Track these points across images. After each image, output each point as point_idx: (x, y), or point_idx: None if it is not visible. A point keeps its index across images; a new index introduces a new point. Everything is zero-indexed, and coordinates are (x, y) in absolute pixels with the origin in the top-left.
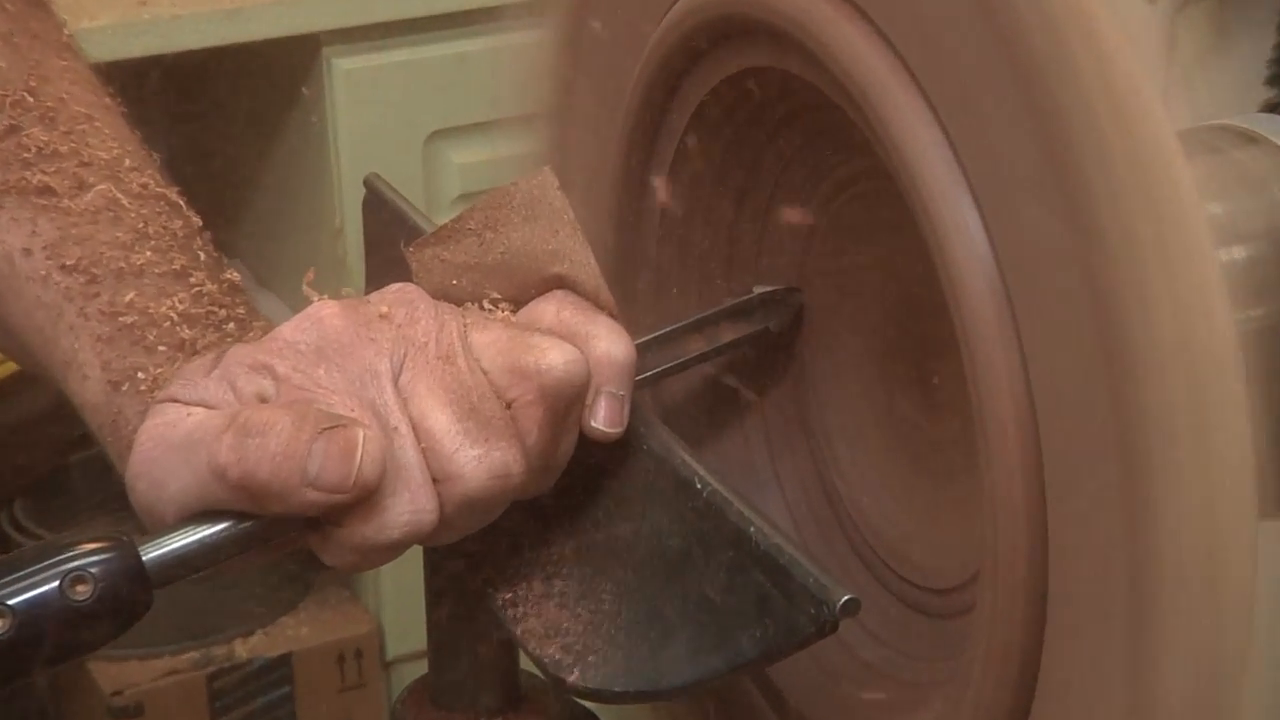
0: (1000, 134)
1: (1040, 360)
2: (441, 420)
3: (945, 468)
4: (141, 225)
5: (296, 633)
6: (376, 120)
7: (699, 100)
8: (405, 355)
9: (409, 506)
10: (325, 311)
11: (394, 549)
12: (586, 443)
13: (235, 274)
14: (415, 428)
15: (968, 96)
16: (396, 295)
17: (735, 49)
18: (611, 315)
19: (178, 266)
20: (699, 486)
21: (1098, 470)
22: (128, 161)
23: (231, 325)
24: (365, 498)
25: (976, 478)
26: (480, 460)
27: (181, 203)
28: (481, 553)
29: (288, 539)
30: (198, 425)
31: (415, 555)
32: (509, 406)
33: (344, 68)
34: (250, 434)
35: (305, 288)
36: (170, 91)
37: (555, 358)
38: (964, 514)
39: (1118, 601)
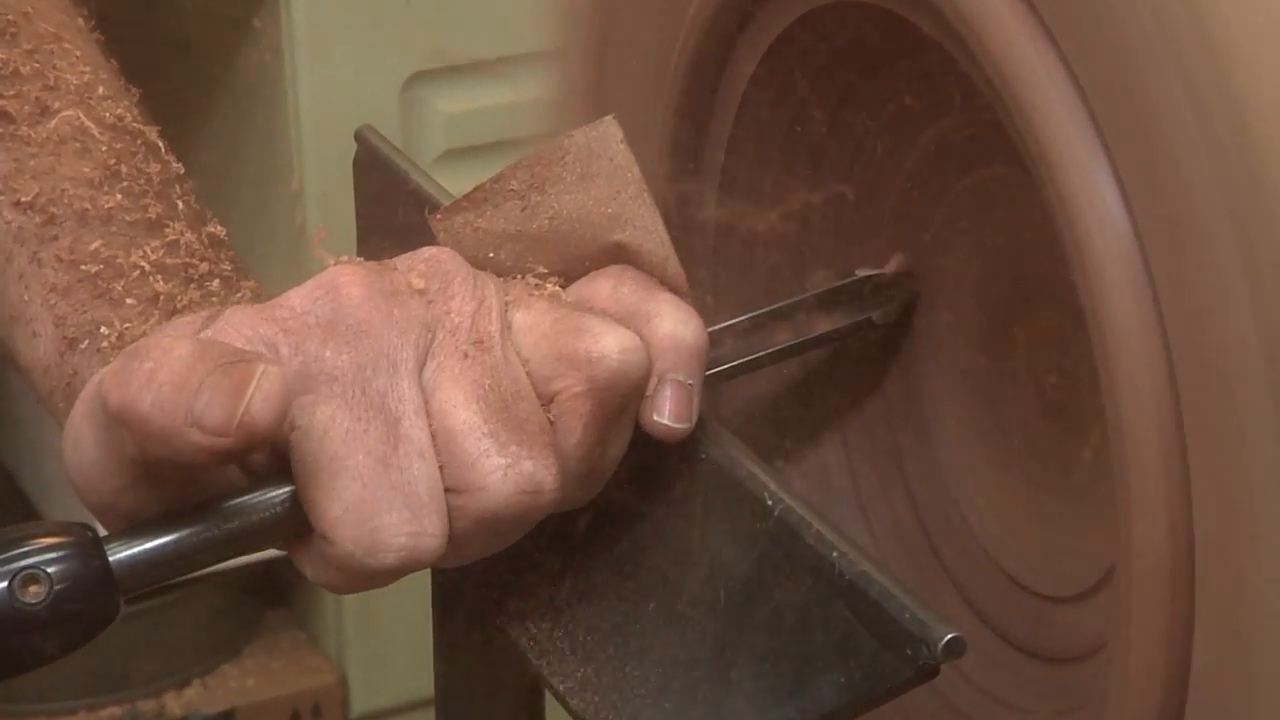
0: (1152, 91)
1: (1188, 345)
2: (465, 419)
3: (1065, 481)
4: (113, 162)
5: (241, 684)
6: (344, 60)
7: (768, 42)
8: (434, 340)
9: (407, 527)
10: (344, 278)
11: (388, 575)
12: (633, 448)
13: (220, 227)
14: (434, 428)
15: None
16: (429, 264)
17: None
18: (680, 294)
19: (152, 215)
20: (770, 504)
21: (1260, 470)
22: (101, 90)
23: (216, 283)
24: (254, 446)
25: (1103, 487)
26: (506, 471)
27: (161, 144)
28: (503, 581)
29: (274, 544)
30: None
31: (388, 588)
32: (552, 400)
33: None
34: (140, 358)
35: (317, 249)
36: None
37: (610, 343)
38: (1085, 533)
39: None
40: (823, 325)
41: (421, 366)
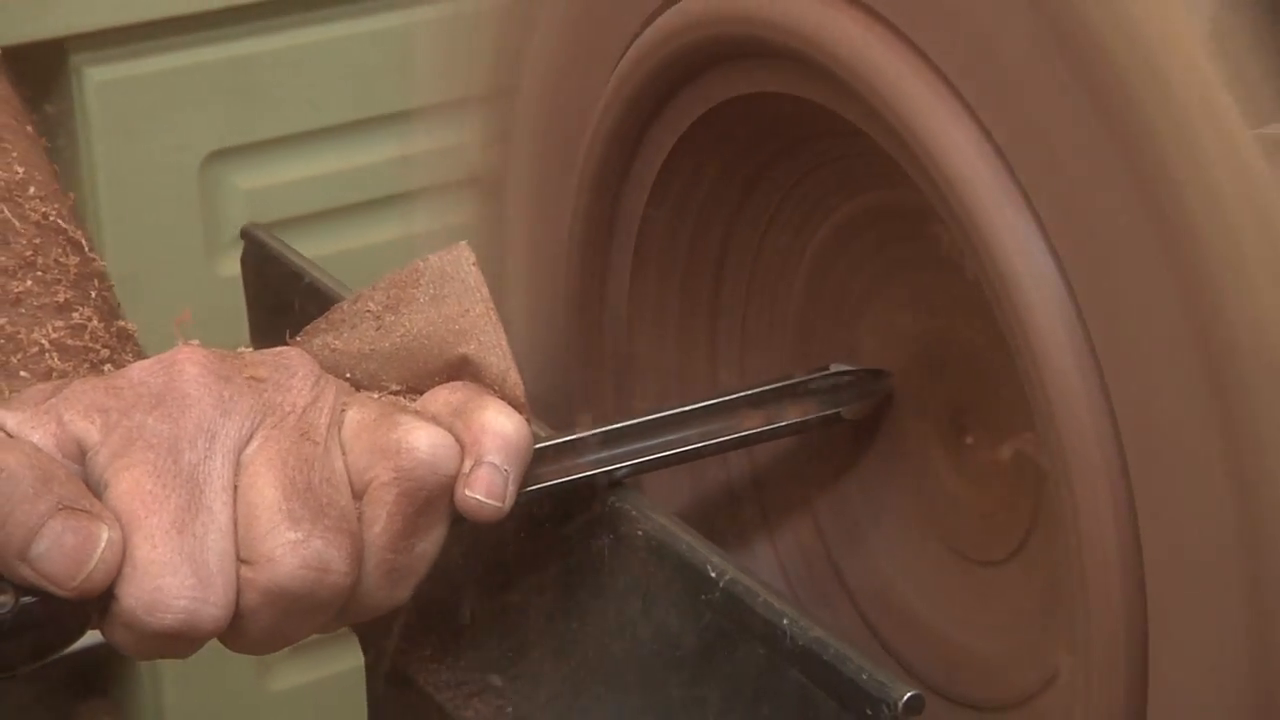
0: (1061, 136)
1: (1126, 383)
2: (266, 494)
3: (989, 542)
4: (30, 254)
5: None
6: (141, 142)
7: (680, 133)
8: (261, 422)
9: (190, 592)
10: (184, 356)
11: (171, 638)
12: (562, 539)
13: (131, 325)
14: (240, 501)
15: (1023, 107)
16: (276, 358)
17: (730, 73)
18: (516, 405)
19: (61, 299)
20: (714, 575)
21: (1206, 507)
22: (32, 189)
23: (110, 368)
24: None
25: (1031, 550)
26: (295, 546)
27: (85, 243)
28: (444, 674)
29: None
30: None
31: (218, 681)
32: (364, 491)
33: (97, 79)
34: None
35: (176, 328)
36: None
37: (420, 437)
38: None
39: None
40: (794, 415)
41: (243, 447)
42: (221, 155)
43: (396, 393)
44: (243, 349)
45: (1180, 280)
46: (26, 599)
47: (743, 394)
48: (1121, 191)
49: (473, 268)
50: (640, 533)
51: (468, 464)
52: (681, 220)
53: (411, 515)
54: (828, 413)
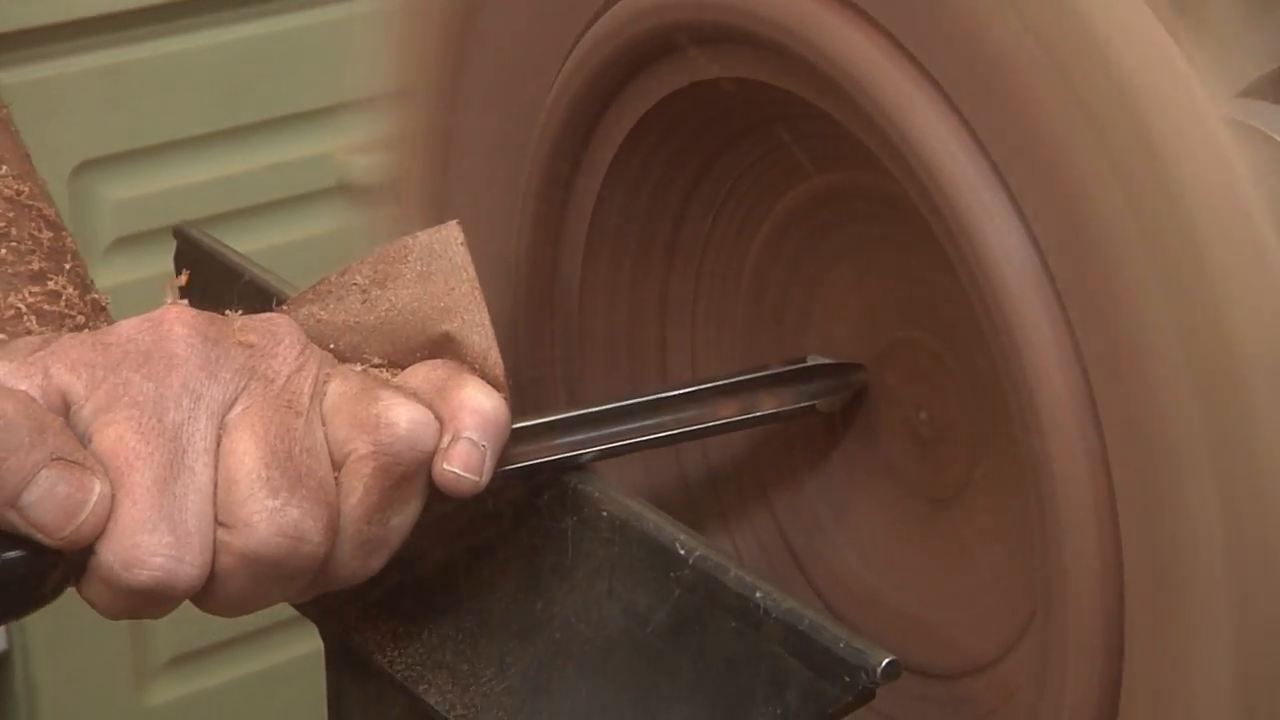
0: (1044, 124)
1: (1105, 368)
2: (247, 462)
3: (947, 525)
4: (2, 225)
5: None
6: None
7: (635, 119)
8: (245, 387)
9: (167, 550)
10: (172, 315)
11: (149, 597)
12: (525, 522)
13: (104, 298)
14: (220, 466)
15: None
16: (264, 324)
17: (679, 63)
18: (496, 385)
19: (35, 268)
20: (683, 552)
21: (1188, 495)
22: (4, 169)
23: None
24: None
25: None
26: (272, 513)
27: (60, 222)
28: (405, 657)
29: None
30: None
31: (95, 693)
32: (343, 462)
33: None
34: None
35: (169, 289)
36: None
37: (400, 412)
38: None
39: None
40: (769, 405)
41: (227, 410)
42: (91, 166)
43: (379, 366)
44: (228, 312)
45: (1167, 278)
46: (9, 554)
47: (718, 383)
48: (1107, 182)
49: (461, 247)
50: (605, 514)
51: (445, 439)
52: (633, 203)
53: (388, 489)
54: (803, 404)
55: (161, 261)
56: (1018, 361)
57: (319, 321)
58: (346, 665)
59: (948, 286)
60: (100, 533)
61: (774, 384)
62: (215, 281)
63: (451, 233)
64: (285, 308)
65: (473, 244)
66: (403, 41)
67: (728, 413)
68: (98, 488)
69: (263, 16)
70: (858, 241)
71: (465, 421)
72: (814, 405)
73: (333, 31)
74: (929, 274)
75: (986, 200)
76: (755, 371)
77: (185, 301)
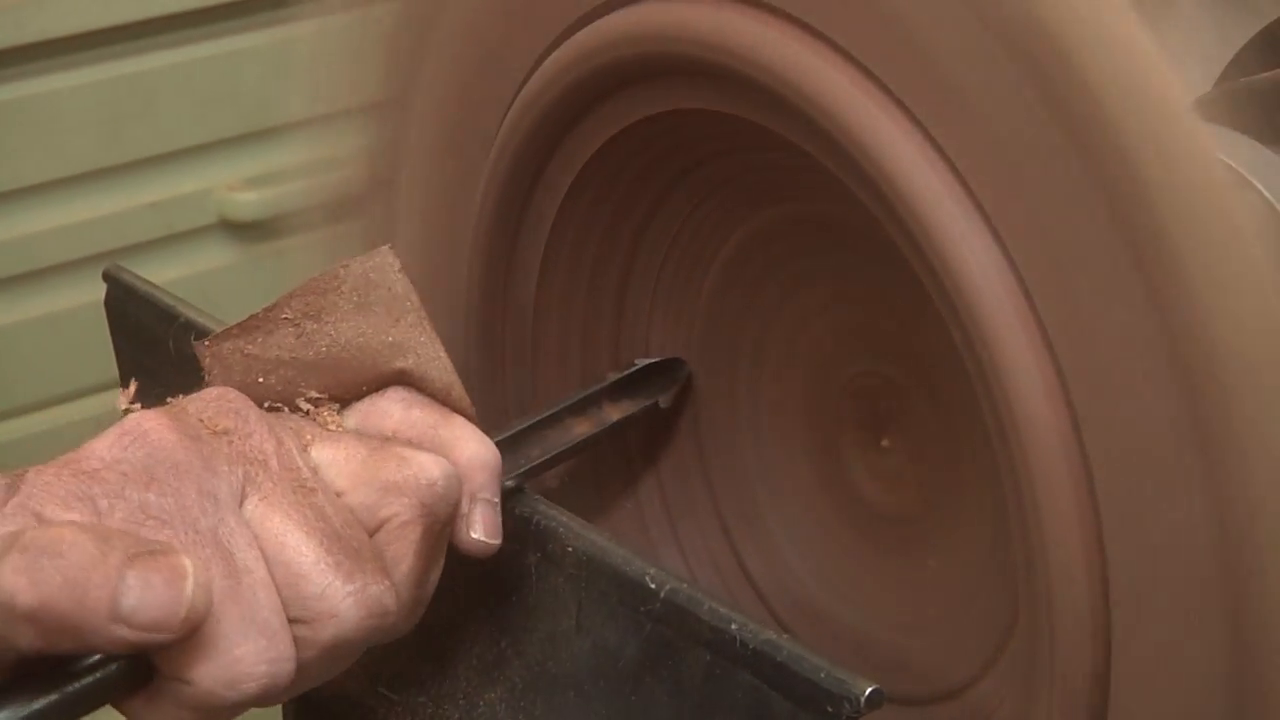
0: (1015, 140)
1: (1086, 382)
2: (306, 554)
3: (914, 551)
4: None
5: None
6: None
7: (587, 156)
8: (245, 477)
9: (266, 654)
10: (150, 424)
11: (242, 708)
12: (481, 562)
13: None
14: (270, 563)
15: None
16: (220, 404)
17: (642, 93)
18: (469, 417)
19: None
20: (653, 586)
21: (1175, 503)
22: None
23: None
24: (191, 637)
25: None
26: (356, 596)
27: None
28: (371, 705)
29: (112, 700)
30: None
31: None
32: (378, 529)
33: None
34: (44, 553)
35: (122, 402)
36: None
37: (435, 471)
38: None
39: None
40: (615, 414)
41: (239, 502)
42: None
43: (317, 400)
44: (171, 399)
45: (1146, 283)
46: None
47: (565, 404)
48: (1080, 192)
49: (399, 275)
50: (570, 549)
51: (465, 502)
52: (592, 224)
53: (431, 548)
54: (647, 404)
55: (48, 302)
56: (996, 377)
57: (246, 356)
58: (306, 711)
59: (912, 313)
60: (211, 606)
61: (615, 393)
62: (149, 325)
63: (386, 259)
64: (208, 343)
65: (419, 276)
66: (351, 59)
67: (583, 430)
68: (187, 562)
69: (140, 54)
70: (816, 271)
71: (478, 480)
72: (657, 403)
73: (209, 68)
74: (891, 302)
75: (957, 215)
76: (594, 386)
77: (139, 406)
